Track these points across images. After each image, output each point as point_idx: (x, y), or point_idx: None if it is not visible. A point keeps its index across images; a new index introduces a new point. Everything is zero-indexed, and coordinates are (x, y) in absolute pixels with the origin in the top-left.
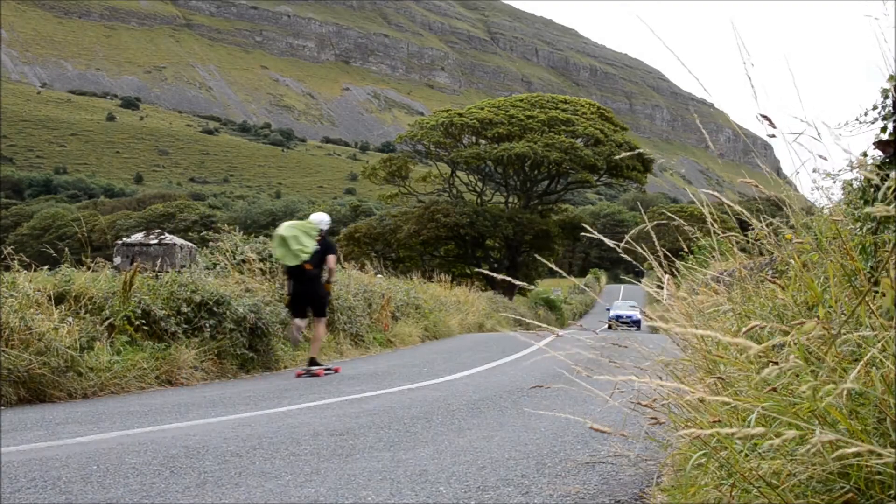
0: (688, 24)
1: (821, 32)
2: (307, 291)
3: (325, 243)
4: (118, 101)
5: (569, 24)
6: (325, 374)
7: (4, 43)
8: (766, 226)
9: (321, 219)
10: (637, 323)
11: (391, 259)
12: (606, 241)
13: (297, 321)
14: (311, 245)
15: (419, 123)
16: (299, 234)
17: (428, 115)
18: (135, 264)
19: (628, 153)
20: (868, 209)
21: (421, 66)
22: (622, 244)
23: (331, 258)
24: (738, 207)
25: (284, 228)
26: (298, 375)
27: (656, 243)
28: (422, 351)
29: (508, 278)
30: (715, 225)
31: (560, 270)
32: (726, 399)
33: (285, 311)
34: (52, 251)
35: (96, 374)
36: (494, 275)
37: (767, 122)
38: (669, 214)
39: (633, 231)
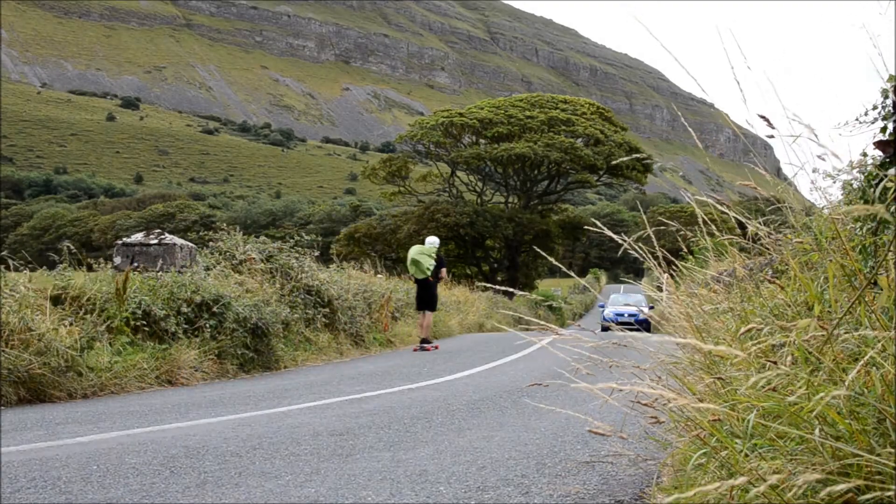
0: (688, 23)
1: (821, 32)
2: (427, 294)
3: (438, 259)
4: (118, 101)
5: (569, 24)
6: (433, 350)
7: (4, 43)
8: (765, 224)
9: (434, 241)
10: (644, 323)
11: (391, 259)
12: (614, 236)
13: (420, 315)
14: (432, 264)
15: (419, 123)
16: (425, 257)
17: (428, 115)
18: (127, 268)
19: (628, 158)
20: (865, 207)
21: (421, 66)
22: (625, 240)
23: (443, 270)
24: (722, 208)
25: (415, 253)
26: (415, 350)
27: (655, 244)
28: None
29: (509, 289)
30: (711, 226)
31: (561, 266)
32: (715, 407)
33: (286, 312)
34: (53, 256)
35: (96, 374)
36: (496, 287)
37: (766, 123)
38: (665, 221)
39: (635, 235)
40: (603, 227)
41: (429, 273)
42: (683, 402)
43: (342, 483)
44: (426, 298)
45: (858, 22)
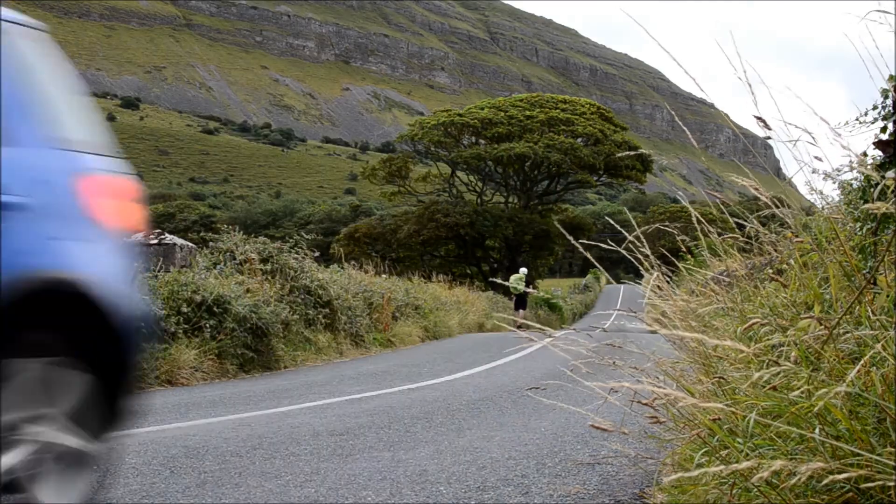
0: (688, 23)
1: (820, 31)
2: (520, 301)
3: (526, 281)
4: (118, 101)
5: (569, 24)
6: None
7: None
8: (766, 221)
9: (524, 271)
10: None
11: (391, 259)
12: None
13: (516, 313)
14: (523, 285)
15: (419, 123)
16: (519, 282)
17: (428, 115)
18: (136, 265)
19: (629, 153)
20: (867, 206)
21: (421, 66)
22: (613, 245)
23: (531, 286)
24: (721, 206)
25: (513, 280)
26: (515, 329)
27: (646, 245)
28: (422, 351)
29: (527, 290)
30: (710, 226)
31: (578, 245)
32: (721, 406)
33: (286, 312)
34: None
35: None
36: (508, 284)
37: (763, 125)
38: (664, 225)
39: (633, 234)
40: (601, 228)
41: (521, 290)
42: (692, 401)
43: (342, 483)
44: (520, 303)
45: (860, 22)
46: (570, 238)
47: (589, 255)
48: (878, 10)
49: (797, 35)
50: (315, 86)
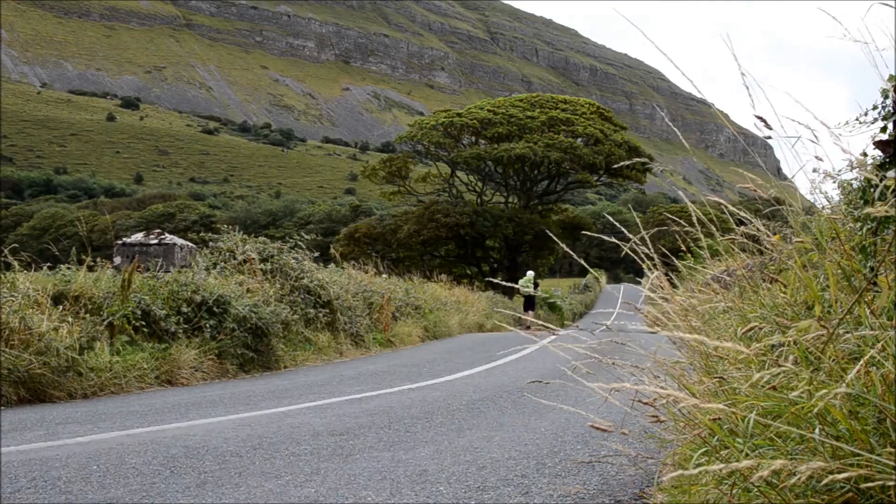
0: (689, 23)
1: (820, 30)
2: (529, 302)
3: (534, 284)
4: (118, 101)
5: (569, 24)
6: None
7: (4, 43)
8: (767, 218)
9: (531, 274)
10: None
11: (391, 259)
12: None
13: (526, 313)
14: (531, 287)
15: (419, 123)
16: (528, 283)
17: (428, 115)
18: (133, 262)
19: (626, 162)
20: (867, 210)
21: (421, 66)
22: (618, 242)
23: (538, 289)
24: (721, 207)
25: (522, 282)
26: (523, 332)
27: (650, 248)
28: (422, 351)
29: (534, 294)
30: (711, 226)
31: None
32: (722, 407)
33: (286, 312)
34: (53, 249)
35: (96, 374)
36: (512, 285)
37: (763, 124)
38: (671, 217)
39: (636, 237)
40: (601, 228)
41: (530, 291)
42: (693, 401)
43: (342, 483)
44: (529, 304)
45: (859, 21)
46: (563, 246)
47: (583, 262)
48: (883, 3)
49: (797, 35)
50: (315, 86)
